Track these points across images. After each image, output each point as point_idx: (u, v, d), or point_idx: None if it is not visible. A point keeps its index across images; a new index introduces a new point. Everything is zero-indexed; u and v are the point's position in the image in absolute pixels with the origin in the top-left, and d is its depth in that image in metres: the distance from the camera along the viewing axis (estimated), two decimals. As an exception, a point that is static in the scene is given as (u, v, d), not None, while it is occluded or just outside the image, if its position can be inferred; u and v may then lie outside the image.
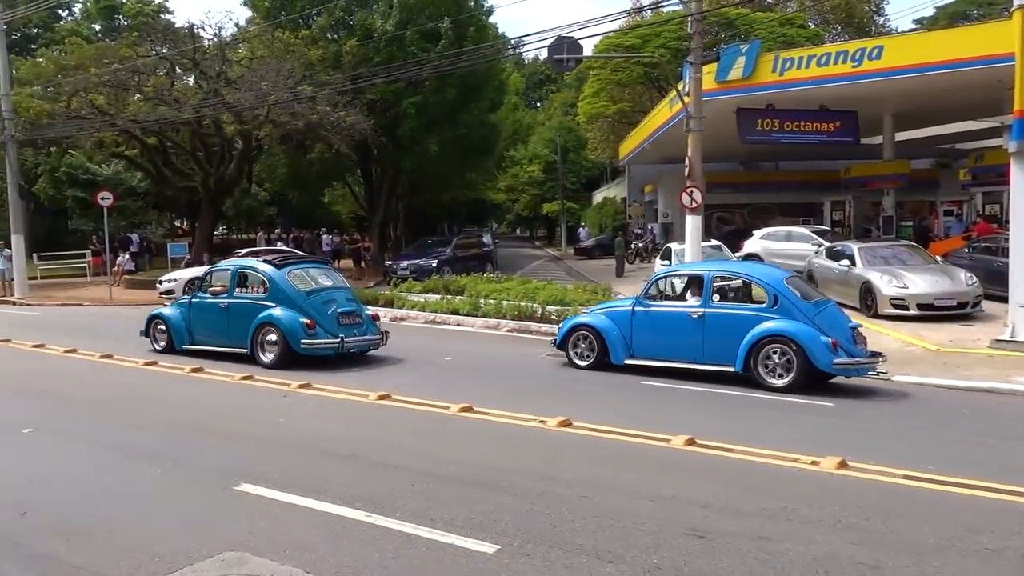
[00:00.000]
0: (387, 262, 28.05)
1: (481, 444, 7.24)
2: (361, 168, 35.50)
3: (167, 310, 13.11)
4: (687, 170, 16.43)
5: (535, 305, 16.01)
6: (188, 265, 26.51)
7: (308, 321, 11.42)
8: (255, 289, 12.08)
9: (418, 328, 16.12)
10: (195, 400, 9.23)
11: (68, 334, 15.64)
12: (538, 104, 76.51)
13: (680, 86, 17.92)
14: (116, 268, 28.03)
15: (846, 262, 15.75)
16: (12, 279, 25.67)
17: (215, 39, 28.35)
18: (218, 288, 12.45)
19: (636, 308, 10.98)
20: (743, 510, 5.50)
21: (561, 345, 11.56)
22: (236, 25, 37.20)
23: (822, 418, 8.43)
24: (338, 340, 11.53)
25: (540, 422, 7.93)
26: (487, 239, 32.05)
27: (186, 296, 13.40)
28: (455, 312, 16.56)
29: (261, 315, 11.65)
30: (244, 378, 10.23)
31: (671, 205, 33.90)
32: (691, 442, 7.14)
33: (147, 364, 11.50)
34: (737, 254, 20.87)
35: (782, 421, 8.30)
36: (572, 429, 7.72)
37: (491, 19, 31.27)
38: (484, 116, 32.10)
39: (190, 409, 8.74)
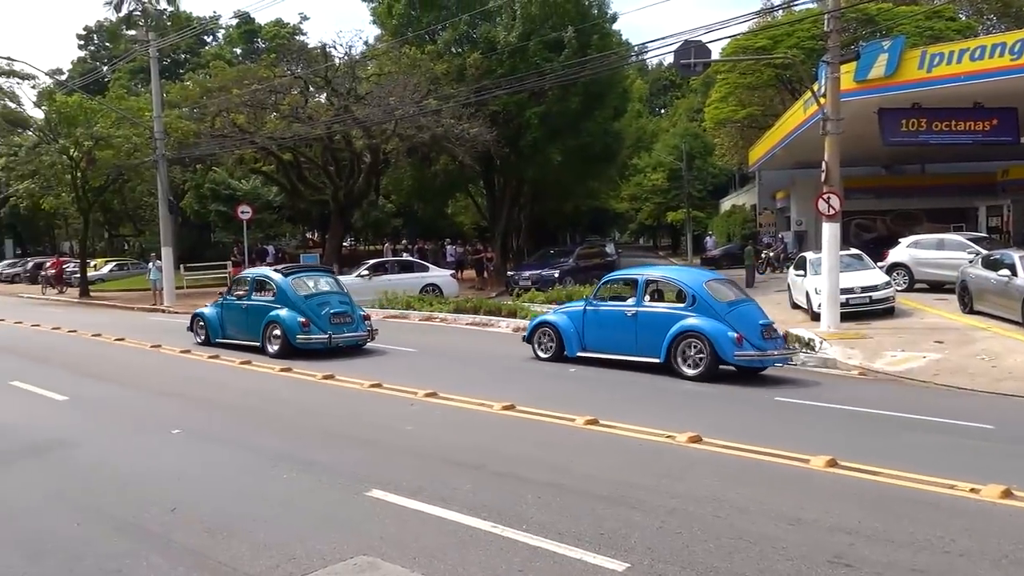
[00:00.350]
0: (509, 272, 28.35)
1: (607, 456, 7.15)
2: (484, 179, 36.06)
3: (206, 310, 16.01)
4: (823, 175, 15.75)
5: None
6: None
7: (304, 320, 13.95)
8: (267, 293, 14.76)
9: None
10: (326, 406, 9.60)
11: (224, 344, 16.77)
12: (662, 111, 75.48)
13: (815, 87, 17.23)
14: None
15: (1006, 272, 14.66)
16: (162, 288, 27.60)
17: (346, 57, 29.66)
18: (241, 292, 15.34)
19: (587, 308, 12.92)
20: (892, 538, 5.17)
21: (528, 340, 13.55)
22: (365, 43, 38.65)
23: (984, 442, 7.84)
24: (327, 336, 13.98)
25: (668, 437, 7.77)
26: (610, 249, 31.85)
27: (221, 298, 16.00)
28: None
29: (269, 314, 14.27)
30: (373, 386, 10.56)
31: (805, 212, 32.59)
32: (832, 463, 6.80)
33: (282, 370, 12.07)
34: (881, 263, 19.84)
35: (946, 447, 7.78)
36: (702, 445, 7.52)
37: (615, 26, 31.12)
38: (607, 124, 31.98)
39: (322, 414, 9.10)
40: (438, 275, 25.09)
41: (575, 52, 27.16)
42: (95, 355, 14.81)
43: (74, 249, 54.67)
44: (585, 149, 30.23)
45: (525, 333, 13.79)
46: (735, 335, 11.22)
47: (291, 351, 13.67)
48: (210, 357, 13.73)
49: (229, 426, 8.61)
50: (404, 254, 34.29)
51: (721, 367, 11.26)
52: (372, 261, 25.78)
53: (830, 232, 15.60)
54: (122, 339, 16.73)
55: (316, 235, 59.40)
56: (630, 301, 12.38)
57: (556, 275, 25.43)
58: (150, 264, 29.04)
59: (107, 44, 60.32)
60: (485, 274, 30.96)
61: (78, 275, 33.59)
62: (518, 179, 33.28)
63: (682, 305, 11.79)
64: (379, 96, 26.63)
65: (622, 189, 55.64)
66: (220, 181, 37.34)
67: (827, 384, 11.22)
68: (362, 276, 23.85)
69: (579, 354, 12.68)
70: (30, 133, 36.83)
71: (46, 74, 37.44)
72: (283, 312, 14.10)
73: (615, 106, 32.96)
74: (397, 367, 12.65)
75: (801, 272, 19.07)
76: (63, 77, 50.93)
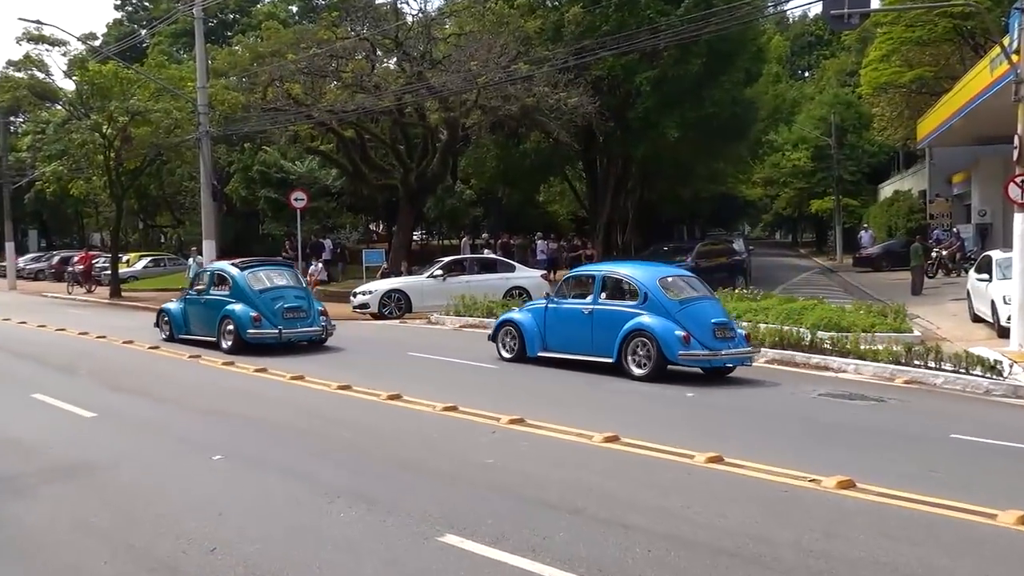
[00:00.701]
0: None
1: (735, 503, 7.01)
2: (584, 159, 36.09)
3: (171, 305, 19.01)
4: (1016, 152, 15.10)
5: (802, 330, 15.47)
6: (385, 275, 28.16)
7: (255, 315, 16.50)
8: (224, 287, 17.37)
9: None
10: (393, 431, 9.75)
11: (265, 351, 17.22)
12: (806, 74, 73.91)
13: (1006, 41, 16.52)
14: (308, 278, 30.48)
15: None
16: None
17: (420, 15, 30.25)
18: (201, 287, 18.09)
19: (549, 305, 14.89)
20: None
21: (493, 338, 15.56)
22: (442, -3, 39.25)
23: None
24: (277, 330, 16.50)
25: (812, 481, 7.56)
26: (738, 245, 31.35)
27: (185, 293, 18.87)
28: (698, 336, 16.39)
29: (224, 309, 16.89)
30: (447, 409, 10.67)
31: (991, 200, 31.36)
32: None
33: (340, 388, 12.34)
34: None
35: None
36: (855, 492, 7.28)
37: (747, -30, 30.67)
38: (736, 91, 31.52)
39: (388, 441, 9.24)
40: (526, 276, 25.27)
41: (697, 3, 26.86)
42: (127, 365, 15.47)
43: (105, 242, 57.44)
44: (709, 122, 29.85)
45: (491, 332, 15.93)
46: (682, 334, 13.02)
47: (243, 346, 16.37)
48: (256, 370, 14.17)
49: (279, 451, 8.84)
50: (485, 250, 34.62)
51: (671, 367, 13.14)
52: (447, 259, 26.10)
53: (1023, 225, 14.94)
54: (156, 347, 17.42)
55: (381, 227, 60.52)
56: (588, 299, 14.28)
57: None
58: (190, 260, 30.21)
59: (146, 4, 63.27)
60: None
61: (108, 272, 35.17)
62: (625, 159, 33.16)
63: (634, 303, 13.63)
64: (459, 60, 26.96)
65: (754, 171, 54.69)
66: (271, 163, 38.54)
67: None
68: (435, 277, 24.20)
69: (540, 354, 14.74)
70: (59, 107, 38.79)
71: (78, 39, 39.07)
72: (237, 307, 16.73)
73: (747, 69, 32.47)
74: (476, 386, 12.81)
75: (985, 276, 18.42)
76: (97, 43, 53.60)
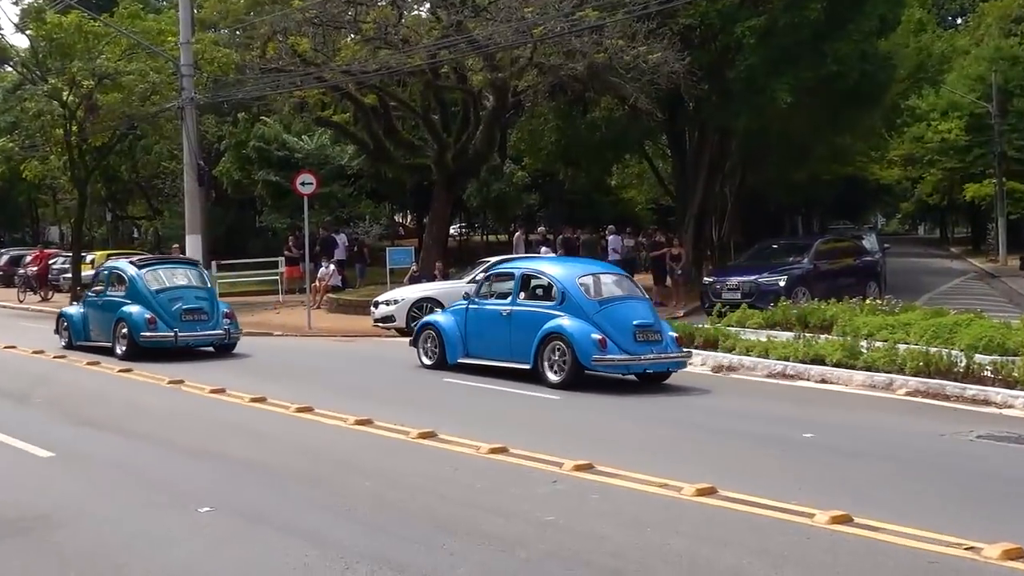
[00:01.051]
0: (706, 278, 28.10)
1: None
2: (669, 132, 36.00)
3: (71, 309, 21.63)
4: None
5: (954, 353, 15.25)
6: (414, 280, 28.28)
7: (150, 316, 18.87)
8: (120, 288, 19.70)
9: (757, 384, 16.18)
10: (427, 479, 9.77)
11: (255, 375, 17.31)
12: (958, 21, 72.90)
13: None
14: (318, 283, 30.71)
15: None
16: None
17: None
18: (99, 288, 20.32)
19: (470, 307, 17.03)
20: None
21: (414, 343, 17.87)
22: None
23: None
24: (173, 334, 19.02)
25: (970, 550, 7.43)
26: (869, 243, 31.00)
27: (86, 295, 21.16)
28: (818, 360, 16.44)
29: (119, 311, 19.20)
30: (494, 451, 10.68)
31: None
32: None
33: (359, 423, 12.43)
34: None
35: None
36: (1028, 566, 7.16)
37: None
38: (867, 44, 31.16)
39: (421, 492, 9.26)
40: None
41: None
42: (93, 392, 15.77)
43: (65, 238, 58.55)
44: (831, 84, 29.58)
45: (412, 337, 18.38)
46: (598, 337, 15.00)
47: (139, 351, 18.74)
48: (253, 400, 14.32)
49: (283, 504, 8.91)
50: (543, 248, 34.52)
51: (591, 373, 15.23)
52: (494, 260, 26.09)
53: None
54: (129, 370, 17.73)
55: (410, 219, 60.85)
56: (508, 299, 16.47)
57: (781, 284, 25.06)
58: (170, 260, 30.65)
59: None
60: (669, 280, 30.79)
61: (69, 275, 35.72)
62: (722, 132, 32.99)
63: (552, 303, 15.82)
64: (509, 7, 26.99)
65: (890, 148, 54.03)
66: (272, 138, 38.98)
67: None
68: (478, 282, 24.17)
69: (461, 361, 16.85)
70: (9, 69, 39.57)
71: (34, -16, 39.92)
72: (133, 308, 19.09)
73: (880, 15, 31.99)
74: (528, 423, 12.91)
75: None
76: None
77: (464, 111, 32.14)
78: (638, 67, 26.47)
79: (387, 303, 24.36)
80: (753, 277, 25.89)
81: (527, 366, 15.64)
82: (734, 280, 26.09)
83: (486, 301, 16.94)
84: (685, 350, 16.68)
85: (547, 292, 16.20)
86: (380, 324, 24.13)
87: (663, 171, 43.20)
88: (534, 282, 16.52)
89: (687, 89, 28.50)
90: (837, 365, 16.08)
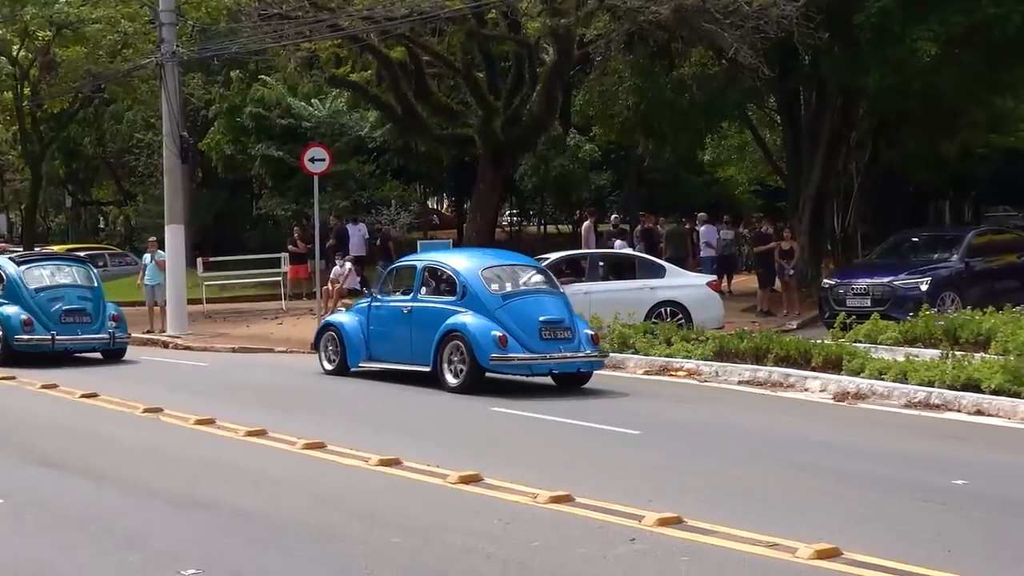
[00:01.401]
0: (826, 280, 27.83)
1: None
2: (778, 94, 35.76)
3: None
4: None
5: None
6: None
7: (26, 317, 21.25)
8: None
9: (892, 416, 16.04)
10: (474, 535, 9.77)
11: (251, 402, 17.56)
12: None
13: None
14: (330, 285, 30.77)
15: None
16: (164, 303, 29.37)
17: None
18: None
19: (372, 304, 19.50)
20: None
21: (315, 347, 20.55)
22: None
23: None
24: (50, 336, 21.36)
25: None
26: (1038, 235, 30.62)
27: None
28: (972, 386, 16.24)
29: None
30: (557, 499, 10.68)
31: None
32: None
33: (383, 463, 12.45)
34: None
35: None
36: None
37: None
38: (1036, -22, 30.80)
39: (467, 551, 9.26)
40: (683, 284, 25.43)
41: None
42: (50, 423, 15.93)
43: (15, 228, 59.14)
44: (987, 31, 29.23)
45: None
46: (498, 334, 17.08)
47: (13, 356, 21.19)
48: (250, 433, 14.40)
49: (288, 567, 8.92)
50: (616, 242, 34.45)
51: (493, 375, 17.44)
52: (555, 256, 26.09)
53: None
54: (94, 395, 17.95)
55: (446, 204, 60.88)
56: (411, 295, 18.96)
57: (923, 287, 24.76)
58: (146, 257, 30.86)
59: None
60: (778, 283, 30.62)
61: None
62: (847, 94, 32.69)
63: (453, 299, 18.10)
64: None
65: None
66: (273, 102, 39.18)
67: None
68: (382, 276, 24.26)
69: (363, 365, 19.39)
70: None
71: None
72: (10, 309, 21.44)
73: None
74: (600, 461, 12.83)
75: None
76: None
77: (517, 68, 32.11)
78: (739, 10, 26.32)
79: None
80: (887, 279, 25.58)
81: (427, 368, 17.97)
82: (862, 283, 25.78)
83: (388, 298, 19.55)
84: (601, 350, 18.85)
85: (449, 286, 18.56)
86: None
87: (771, 143, 42.88)
88: (436, 276, 19.06)
89: (802, 38, 28.26)
90: (997, 392, 15.82)
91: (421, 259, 20.10)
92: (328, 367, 19.98)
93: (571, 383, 18.06)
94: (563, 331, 17.71)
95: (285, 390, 19.27)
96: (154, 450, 13.93)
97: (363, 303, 20.24)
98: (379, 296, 19.70)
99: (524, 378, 18.26)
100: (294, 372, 21.04)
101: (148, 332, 29.02)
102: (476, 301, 17.60)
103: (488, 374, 17.75)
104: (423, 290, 18.82)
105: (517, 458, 12.98)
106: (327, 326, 20.63)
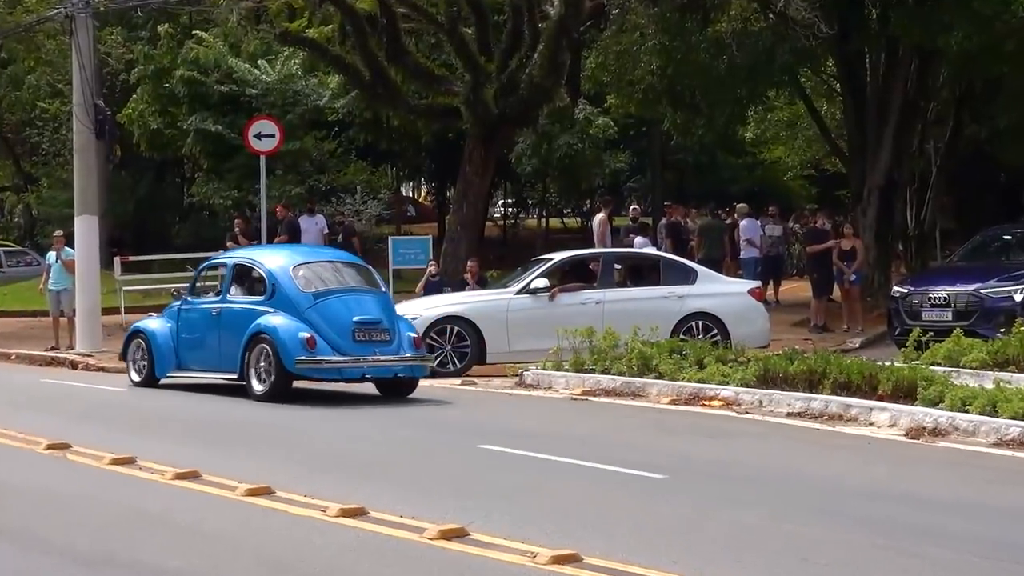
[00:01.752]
0: (897, 288, 27.89)
1: None
2: (838, 57, 35.83)
3: None
4: None
5: None
6: (433, 287, 28.19)
7: None
8: None
9: (976, 455, 16.01)
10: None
11: (181, 435, 17.72)
12: None
13: None
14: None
15: None
16: (73, 312, 29.38)
17: None
18: None
19: (182, 307, 21.59)
20: None
21: (123, 356, 22.36)
22: None
23: None
24: None
25: None
26: None
27: None
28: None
29: None
30: (559, 559, 10.71)
31: None
32: None
33: (345, 513, 12.45)
34: None
35: None
36: None
37: None
38: None
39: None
40: (719, 292, 25.55)
41: None
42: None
43: None
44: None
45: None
46: (306, 335, 19.19)
47: None
48: (179, 476, 14.39)
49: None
50: (636, 239, 34.45)
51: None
52: (560, 256, 26.13)
53: None
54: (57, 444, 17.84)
55: (425, 192, 60.99)
56: (221, 295, 21.20)
57: (1018, 296, 24.80)
58: (50, 255, 30.85)
59: None
60: (836, 291, 30.63)
61: None
62: (924, 57, 32.80)
63: (262, 298, 20.24)
64: None
65: None
66: (211, 64, 39.15)
67: None
68: (532, 292, 24.54)
69: (172, 375, 21.45)
70: None
71: None
72: None
73: None
74: (610, 508, 12.89)
75: None
76: None
77: (514, 23, 32.16)
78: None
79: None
80: (972, 287, 25.60)
81: (234, 375, 20.23)
82: (941, 291, 25.76)
83: (199, 300, 21.85)
84: (425, 354, 21.19)
85: (259, 285, 20.78)
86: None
87: (828, 117, 42.94)
88: (247, 274, 21.34)
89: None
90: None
91: (232, 256, 22.70)
92: (136, 379, 22.02)
93: (394, 392, 20.49)
94: (380, 332, 20.00)
95: (223, 420, 19.41)
96: (60, 497, 13.92)
97: (175, 306, 22.23)
98: (188, 298, 21.92)
99: (334, 382, 20.51)
100: (233, 398, 21.03)
101: (52, 349, 29.01)
102: (286, 301, 19.80)
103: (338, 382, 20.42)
104: (233, 290, 21.11)
105: (511, 504, 13.00)
106: (135, 333, 22.37)
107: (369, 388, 21.39)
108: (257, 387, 19.58)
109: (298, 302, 19.67)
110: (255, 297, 20.52)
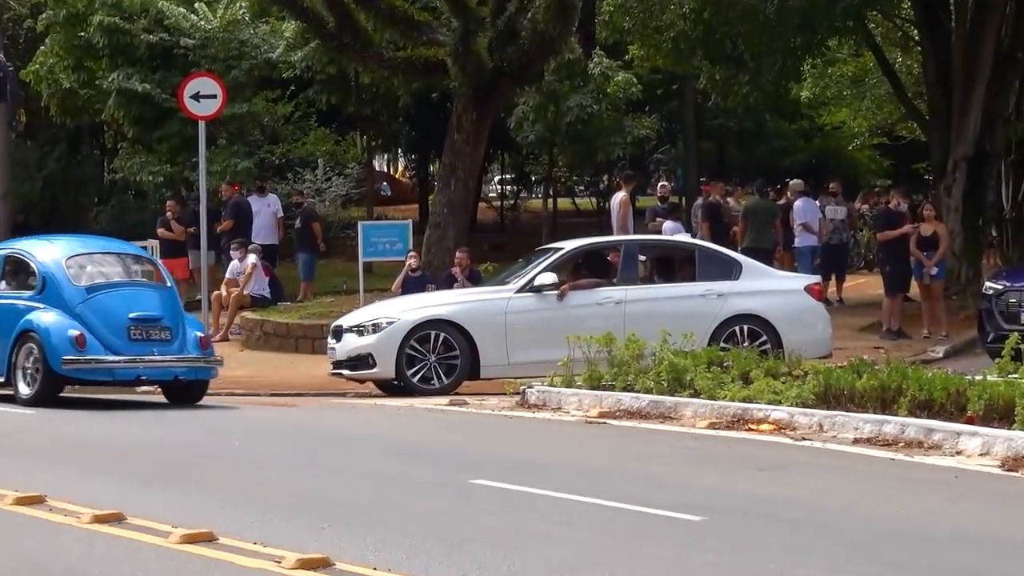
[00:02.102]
0: (989, 284, 27.94)
1: None
2: (916, 3, 35.81)
3: None
4: None
5: None
6: (413, 283, 28.32)
7: None
8: None
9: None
10: None
11: (101, 466, 17.85)
12: None
13: None
14: (224, 290, 30.81)
15: None
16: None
17: None
18: None
19: None
20: None
21: None
22: None
23: None
24: None
25: None
26: None
27: None
28: None
29: None
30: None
31: None
32: None
33: (304, 565, 12.46)
34: None
35: None
36: None
37: None
38: None
39: None
40: (769, 289, 25.74)
41: None
42: None
43: None
44: None
45: None
46: (76, 333, 21.12)
47: None
48: (98, 519, 14.38)
49: None
50: (666, 223, 34.53)
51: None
52: (571, 244, 26.20)
53: None
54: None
55: (403, 168, 61.09)
56: None
57: None
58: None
59: None
60: (915, 287, 30.67)
61: None
62: (1020, 5, 32.84)
63: (32, 292, 22.25)
64: None
65: None
66: (135, 7, 39.25)
67: None
68: (536, 290, 24.53)
69: None
70: None
71: None
72: None
73: None
74: (634, 556, 12.85)
75: None
76: None
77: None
78: None
79: (358, 331, 24.50)
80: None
81: (1, 378, 22.35)
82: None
83: None
84: (212, 355, 23.25)
85: (31, 278, 22.77)
86: (344, 372, 24.23)
87: (903, 73, 43.00)
88: (19, 266, 23.31)
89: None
90: None
91: (3, 248, 23.59)
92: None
93: (181, 398, 22.60)
94: (160, 331, 22.22)
95: (150, 447, 19.50)
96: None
97: None
98: None
99: (107, 383, 22.25)
100: (165, 419, 21.76)
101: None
102: (56, 295, 21.90)
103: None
104: (2, 285, 23.18)
105: (511, 553, 13.01)
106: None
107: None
108: (24, 390, 21.65)
109: (70, 297, 21.75)
110: (26, 292, 22.46)
